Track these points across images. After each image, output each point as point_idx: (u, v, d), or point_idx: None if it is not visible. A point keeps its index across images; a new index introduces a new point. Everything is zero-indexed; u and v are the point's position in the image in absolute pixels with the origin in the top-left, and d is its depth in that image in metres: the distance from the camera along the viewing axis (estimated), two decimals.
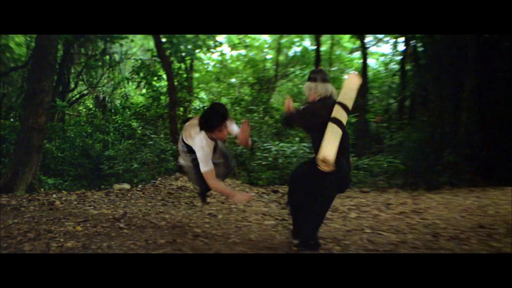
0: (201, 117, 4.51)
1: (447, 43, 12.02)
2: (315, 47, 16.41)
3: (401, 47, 17.49)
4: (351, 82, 4.10)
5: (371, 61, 21.13)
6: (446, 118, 12.00)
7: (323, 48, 19.10)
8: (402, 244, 4.60)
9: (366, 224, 6.01)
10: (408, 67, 15.96)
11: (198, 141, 4.47)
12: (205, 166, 4.42)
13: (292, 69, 21.39)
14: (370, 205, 7.74)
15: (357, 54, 19.75)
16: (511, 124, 11.42)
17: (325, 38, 19.48)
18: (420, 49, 13.62)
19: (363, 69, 14.57)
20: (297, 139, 12.17)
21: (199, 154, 4.43)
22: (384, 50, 22.10)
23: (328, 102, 4.06)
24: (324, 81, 4.13)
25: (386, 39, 18.30)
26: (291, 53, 21.33)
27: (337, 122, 3.84)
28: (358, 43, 16.87)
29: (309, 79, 4.20)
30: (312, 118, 4.04)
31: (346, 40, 20.08)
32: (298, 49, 20.97)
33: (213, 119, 4.38)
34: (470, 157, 11.15)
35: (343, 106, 3.92)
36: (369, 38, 18.13)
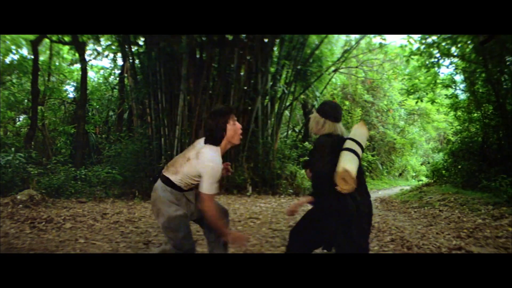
0: (205, 131, 3.67)
1: (162, 61, 12.83)
2: (32, 56, 15.80)
3: (120, 61, 17.89)
4: (363, 128, 3.62)
5: (91, 74, 21.21)
6: (161, 131, 12.78)
7: (42, 57, 18.49)
8: (114, 252, 4.89)
9: (80, 234, 6.17)
10: (126, 81, 16.39)
11: (208, 152, 3.53)
12: (210, 186, 3.45)
13: (8, 77, 20.18)
14: (86, 215, 7.92)
15: (77, 66, 19.57)
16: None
17: (44, 48, 18.91)
18: (138, 65, 14.15)
19: (82, 81, 14.55)
20: (13, 149, 11.66)
21: (207, 170, 3.45)
22: (104, 63, 22.31)
23: (334, 138, 3.55)
24: (336, 121, 3.60)
25: (105, 53, 18.51)
26: (7, 60, 20.11)
27: (352, 151, 3.37)
28: (77, 55, 16.76)
29: (319, 111, 3.65)
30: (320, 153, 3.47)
31: (66, 52, 19.76)
32: (15, 56, 19.89)
33: (218, 117, 3.58)
34: None
35: (356, 142, 3.45)
36: (89, 51, 18.16)
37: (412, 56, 13.59)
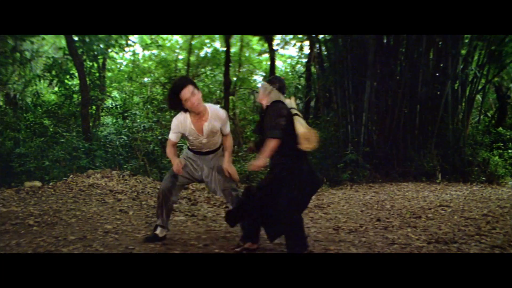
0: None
1: (349, 48, 12.65)
2: (225, 48, 16.65)
3: (307, 50, 18.07)
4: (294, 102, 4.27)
5: (278, 63, 21.77)
6: (348, 118, 12.64)
7: (233, 49, 19.41)
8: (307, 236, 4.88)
9: None
10: (313, 69, 16.52)
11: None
12: (169, 134, 4.44)
13: (203, 70, 21.59)
14: None
15: (266, 56, 20.21)
16: (406, 125, 12.27)
17: (235, 40, 19.80)
18: (324, 52, 14.18)
19: (271, 71, 14.98)
20: None
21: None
22: (291, 52, 22.74)
23: (283, 105, 3.98)
24: (280, 89, 4.07)
25: (292, 42, 18.83)
26: (202, 54, 21.49)
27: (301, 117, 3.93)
28: (266, 45, 17.28)
29: (269, 81, 4.16)
30: (279, 117, 3.87)
31: (255, 43, 20.50)
32: (209, 50, 21.17)
33: (169, 95, 4.32)
34: (370, 155, 11.82)
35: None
36: (277, 41, 18.62)
37: None
